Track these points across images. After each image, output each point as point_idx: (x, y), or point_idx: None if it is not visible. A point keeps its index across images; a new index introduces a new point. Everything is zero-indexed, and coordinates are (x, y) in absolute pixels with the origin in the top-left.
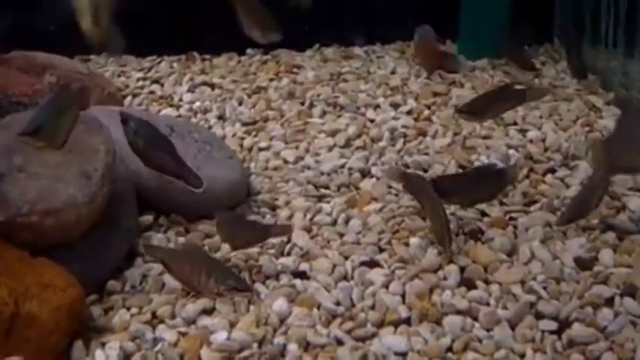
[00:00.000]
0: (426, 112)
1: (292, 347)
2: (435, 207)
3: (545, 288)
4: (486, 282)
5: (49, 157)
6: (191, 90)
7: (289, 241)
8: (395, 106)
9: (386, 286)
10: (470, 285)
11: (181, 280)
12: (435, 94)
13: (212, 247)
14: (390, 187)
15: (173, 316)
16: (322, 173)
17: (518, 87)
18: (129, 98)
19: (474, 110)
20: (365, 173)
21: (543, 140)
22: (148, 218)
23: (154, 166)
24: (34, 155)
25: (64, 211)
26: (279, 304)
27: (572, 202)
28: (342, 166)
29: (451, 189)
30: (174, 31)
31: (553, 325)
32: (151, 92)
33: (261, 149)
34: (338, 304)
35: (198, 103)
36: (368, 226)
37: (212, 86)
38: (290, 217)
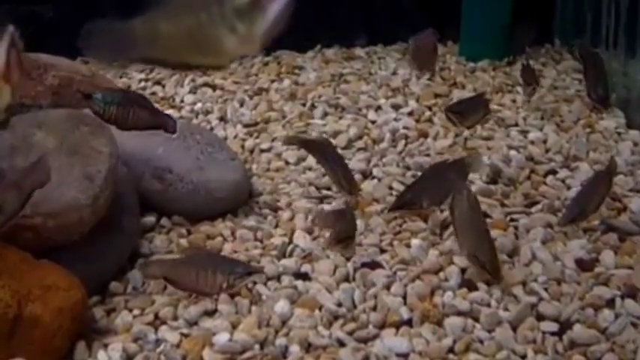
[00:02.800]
0: (427, 113)
1: (294, 348)
2: (483, 231)
3: (546, 289)
4: (487, 283)
5: (52, 159)
6: (193, 91)
7: (291, 242)
8: (396, 107)
9: (387, 287)
10: (471, 286)
11: (191, 289)
12: (437, 96)
13: (214, 248)
14: (391, 188)
15: (175, 318)
16: (324, 174)
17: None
18: None
19: (462, 111)
20: (366, 175)
21: (544, 141)
22: (150, 220)
23: (132, 125)
24: (37, 157)
25: (67, 213)
26: (281, 305)
27: (573, 202)
28: None
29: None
30: None
31: (554, 327)
32: (153, 93)
33: (262, 150)
34: (340, 305)
35: (199, 105)
36: (369, 227)
37: (214, 87)
38: (292, 218)
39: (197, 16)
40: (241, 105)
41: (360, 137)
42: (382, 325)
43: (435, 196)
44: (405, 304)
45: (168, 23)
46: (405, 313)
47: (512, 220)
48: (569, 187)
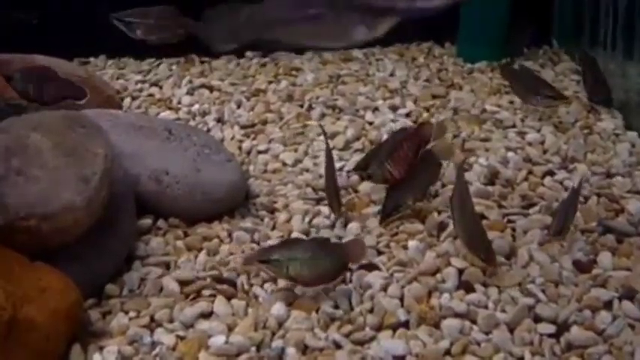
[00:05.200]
0: (425, 114)
1: (290, 351)
2: (477, 222)
3: (543, 291)
4: (485, 285)
5: (48, 161)
6: (190, 92)
7: None
8: (394, 108)
9: (384, 289)
10: (468, 288)
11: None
12: (434, 97)
13: (210, 249)
14: None
15: (171, 320)
16: (321, 176)
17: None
18: (127, 101)
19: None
20: (363, 176)
21: (542, 143)
22: (147, 222)
23: (51, 99)
24: (33, 158)
25: (62, 215)
26: (278, 307)
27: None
28: (341, 169)
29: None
30: None
31: (551, 329)
32: (150, 95)
33: (259, 152)
34: (336, 307)
35: (196, 106)
36: (366, 228)
37: (211, 89)
38: (289, 220)
39: None
40: (238, 106)
41: (357, 138)
42: (379, 327)
43: (417, 192)
44: (402, 306)
45: None
46: (402, 315)
47: (509, 221)
48: (566, 189)
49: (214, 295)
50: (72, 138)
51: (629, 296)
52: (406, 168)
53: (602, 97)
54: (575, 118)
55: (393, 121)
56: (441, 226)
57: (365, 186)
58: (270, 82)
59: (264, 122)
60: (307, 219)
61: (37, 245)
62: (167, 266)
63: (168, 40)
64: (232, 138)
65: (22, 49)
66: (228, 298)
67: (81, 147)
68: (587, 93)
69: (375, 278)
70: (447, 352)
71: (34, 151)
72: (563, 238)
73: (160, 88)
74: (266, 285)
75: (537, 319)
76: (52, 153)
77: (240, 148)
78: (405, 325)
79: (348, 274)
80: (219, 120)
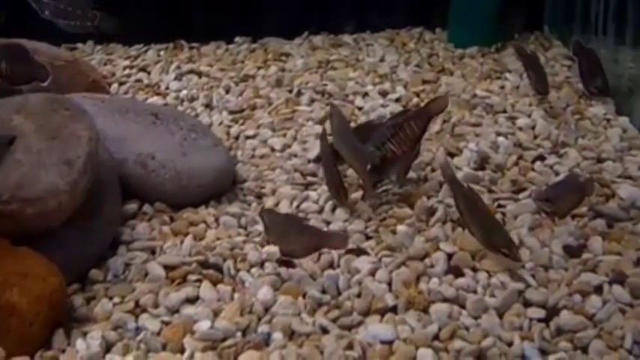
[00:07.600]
0: (415, 99)
1: (277, 336)
2: (488, 213)
3: (533, 276)
4: (474, 270)
5: (31, 144)
6: (178, 78)
7: None
8: (384, 93)
9: (372, 274)
10: (457, 273)
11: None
12: (425, 82)
13: (196, 234)
14: None
15: (156, 305)
16: (309, 161)
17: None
18: (115, 86)
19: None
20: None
21: (533, 128)
22: (132, 207)
23: (21, 79)
24: (16, 142)
25: (45, 199)
26: (264, 292)
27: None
28: None
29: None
30: (161, 19)
31: (541, 313)
32: (138, 80)
33: (248, 137)
34: (324, 292)
35: (185, 92)
36: (355, 213)
37: (199, 74)
38: (276, 204)
39: None
40: (227, 92)
41: None
42: (367, 312)
43: (400, 168)
44: (390, 290)
45: None
46: (390, 300)
47: (499, 206)
48: (557, 174)
49: (200, 280)
50: (55, 121)
51: (620, 281)
52: (411, 145)
53: (599, 87)
54: (566, 103)
55: (382, 106)
56: (430, 211)
57: (353, 171)
58: (259, 68)
59: (253, 108)
60: (295, 204)
61: (19, 230)
62: (152, 251)
63: (75, 29)
64: (220, 123)
65: (9, 35)
66: (214, 283)
67: (65, 130)
68: (583, 84)
69: (363, 263)
70: (436, 337)
71: (16, 134)
72: (552, 213)
73: (148, 73)
74: (253, 270)
75: (527, 304)
76: (35, 136)
77: (228, 133)
78: (393, 310)
79: (336, 259)
80: (208, 105)
